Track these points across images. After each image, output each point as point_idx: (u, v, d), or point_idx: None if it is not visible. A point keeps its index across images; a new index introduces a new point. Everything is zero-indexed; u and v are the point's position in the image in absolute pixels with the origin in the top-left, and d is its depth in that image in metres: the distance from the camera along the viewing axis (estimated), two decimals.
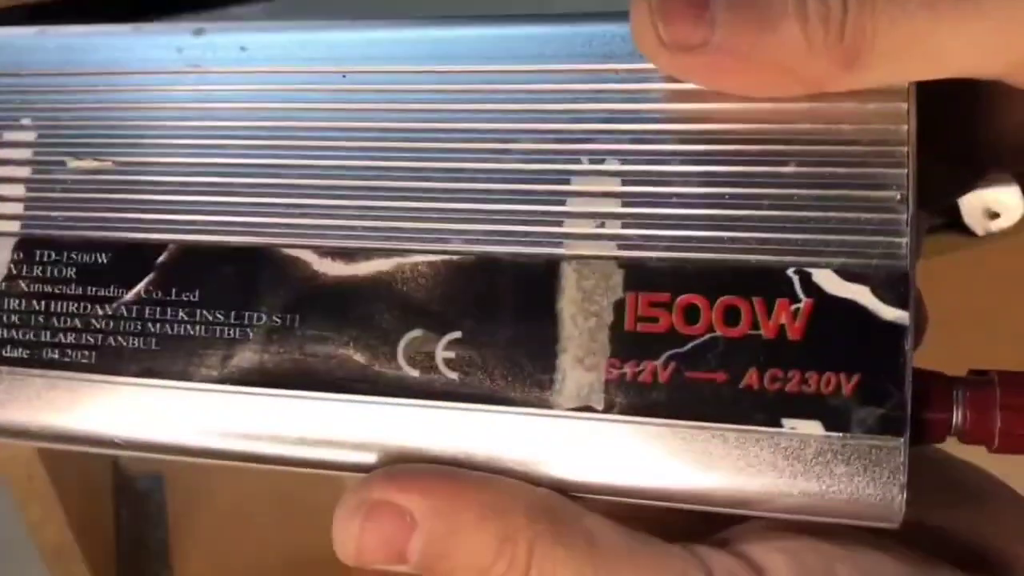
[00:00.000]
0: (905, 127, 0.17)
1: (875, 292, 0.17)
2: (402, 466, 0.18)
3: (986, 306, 0.64)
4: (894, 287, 0.17)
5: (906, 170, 0.17)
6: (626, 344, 0.17)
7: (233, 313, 0.19)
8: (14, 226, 0.20)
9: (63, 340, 0.19)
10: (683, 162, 0.18)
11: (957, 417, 0.17)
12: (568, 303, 0.18)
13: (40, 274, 0.20)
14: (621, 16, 0.18)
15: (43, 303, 0.19)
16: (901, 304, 0.17)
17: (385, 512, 0.18)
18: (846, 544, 0.18)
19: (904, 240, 0.17)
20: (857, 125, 0.17)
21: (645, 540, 0.18)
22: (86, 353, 0.19)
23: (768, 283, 0.17)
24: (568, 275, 0.18)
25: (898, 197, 0.17)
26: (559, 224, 0.18)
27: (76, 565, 0.54)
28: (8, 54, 0.21)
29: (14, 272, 0.20)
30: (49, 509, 0.51)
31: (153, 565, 0.63)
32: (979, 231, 0.61)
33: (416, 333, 0.18)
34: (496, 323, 0.18)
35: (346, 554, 0.18)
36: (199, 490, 0.67)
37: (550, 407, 0.17)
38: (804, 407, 0.17)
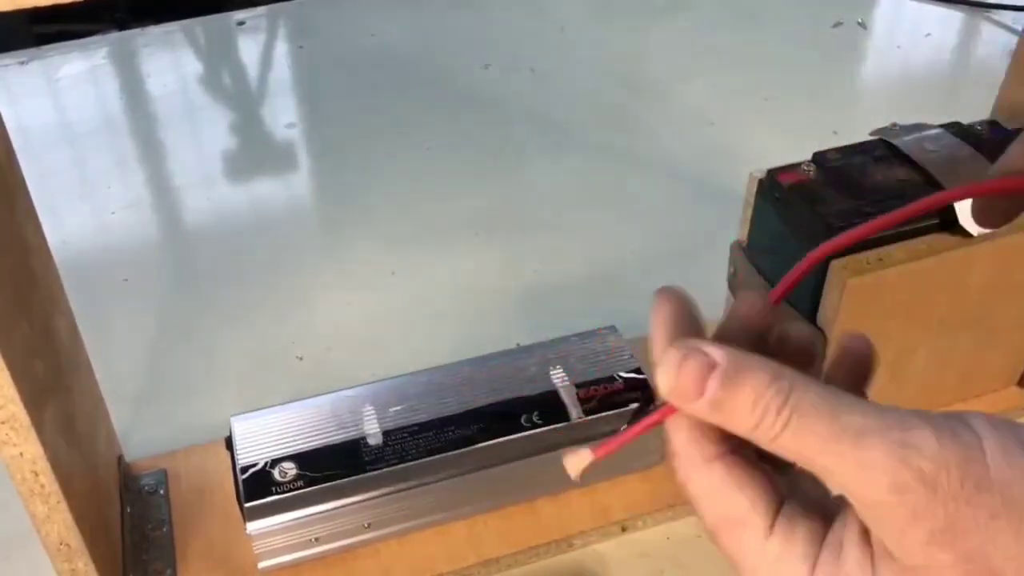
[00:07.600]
0: None
1: None
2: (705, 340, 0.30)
3: (979, 306, 0.65)
4: None
5: None
6: None
7: None
8: None
9: None
10: None
11: None
12: None
13: None
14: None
15: None
16: None
17: (698, 355, 0.28)
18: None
19: None
20: None
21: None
22: None
23: None
24: None
25: None
26: None
27: (82, 561, 0.54)
28: None
29: None
30: (54, 505, 0.51)
31: (158, 561, 0.63)
32: (973, 232, 0.61)
33: None
34: None
35: (666, 386, 0.29)
36: (203, 486, 0.68)
37: None
38: None
